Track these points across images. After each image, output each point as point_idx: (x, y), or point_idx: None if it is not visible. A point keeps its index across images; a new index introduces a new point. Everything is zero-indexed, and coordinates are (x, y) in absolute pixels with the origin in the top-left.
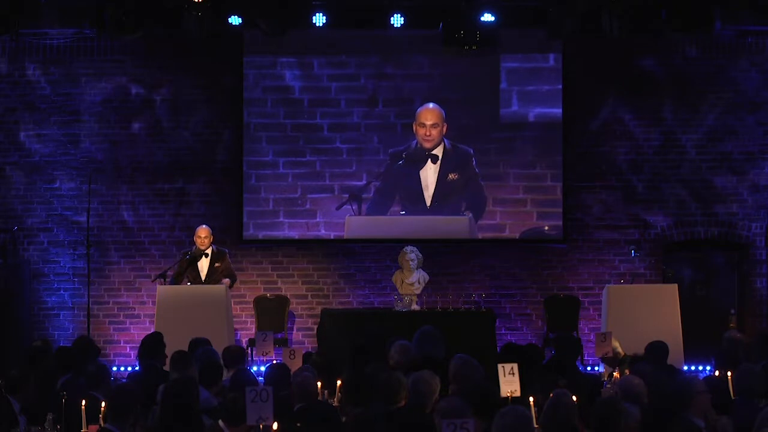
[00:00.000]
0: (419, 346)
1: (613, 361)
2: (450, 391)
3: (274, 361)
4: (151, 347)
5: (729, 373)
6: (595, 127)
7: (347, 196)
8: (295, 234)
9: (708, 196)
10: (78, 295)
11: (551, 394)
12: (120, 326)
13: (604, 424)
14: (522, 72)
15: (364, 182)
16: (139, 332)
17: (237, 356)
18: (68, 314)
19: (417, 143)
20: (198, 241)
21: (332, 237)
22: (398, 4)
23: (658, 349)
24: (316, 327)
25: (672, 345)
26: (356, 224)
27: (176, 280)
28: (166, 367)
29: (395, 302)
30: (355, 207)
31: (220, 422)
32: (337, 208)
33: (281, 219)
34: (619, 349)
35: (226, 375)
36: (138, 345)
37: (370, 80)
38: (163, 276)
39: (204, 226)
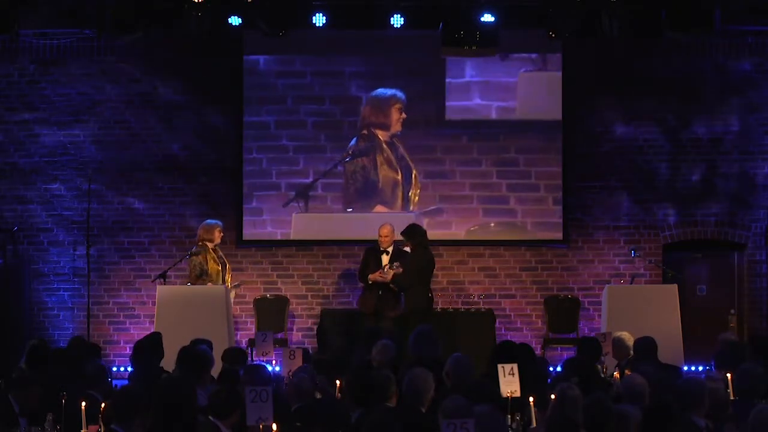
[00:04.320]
0: (415, 346)
1: (623, 355)
2: (447, 389)
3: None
4: (151, 347)
5: (729, 375)
6: (595, 127)
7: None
8: (294, 234)
9: (707, 196)
10: (78, 295)
11: (553, 394)
12: (120, 326)
13: (596, 424)
14: (521, 72)
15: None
16: (139, 332)
17: (238, 358)
18: (68, 314)
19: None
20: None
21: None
22: (398, 4)
23: (646, 346)
24: (316, 327)
25: (672, 345)
26: (302, 222)
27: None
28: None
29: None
30: (302, 204)
31: (210, 417)
32: (284, 206)
33: (282, 219)
34: (629, 342)
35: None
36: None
37: (371, 80)
38: (163, 276)
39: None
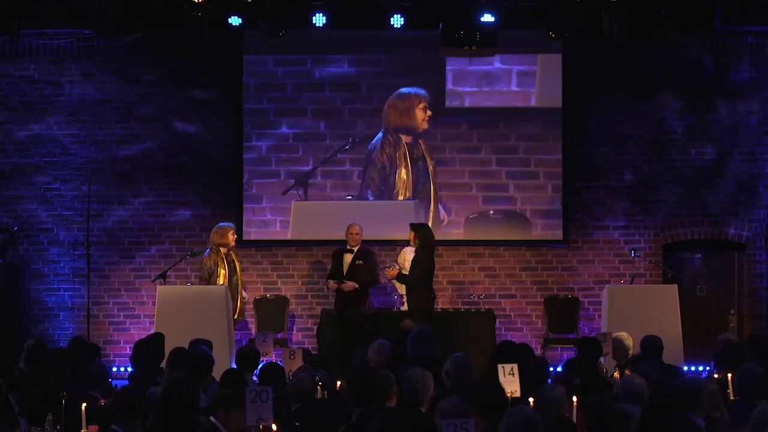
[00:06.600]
0: (413, 346)
1: (621, 355)
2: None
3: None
4: (151, 347)
5: (729, 374)
6: (595, 127)
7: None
8: (292, 234)
9: (708, 196)
10: (78, 295)
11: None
12: (120, 326)
13: (597, 424)
14: (521, 72)
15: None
16: (139, 332)
17: (252, 358)
18: (68, 314)
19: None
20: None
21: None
22: (398, 4)
23: (652, 344)
24: (316, 327)
25: (672, 345)
26: (302, 210)
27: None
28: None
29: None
30: (301, 192)
31: (212, 418)
32: (283, 193)
33: (281, 207)
34: (629, 343)
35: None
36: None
37: (371, 78)
38: (163, 276)
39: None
